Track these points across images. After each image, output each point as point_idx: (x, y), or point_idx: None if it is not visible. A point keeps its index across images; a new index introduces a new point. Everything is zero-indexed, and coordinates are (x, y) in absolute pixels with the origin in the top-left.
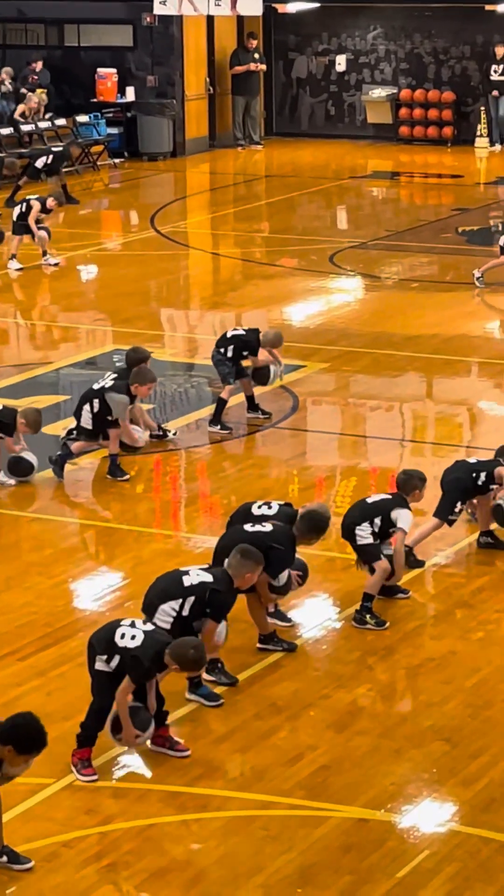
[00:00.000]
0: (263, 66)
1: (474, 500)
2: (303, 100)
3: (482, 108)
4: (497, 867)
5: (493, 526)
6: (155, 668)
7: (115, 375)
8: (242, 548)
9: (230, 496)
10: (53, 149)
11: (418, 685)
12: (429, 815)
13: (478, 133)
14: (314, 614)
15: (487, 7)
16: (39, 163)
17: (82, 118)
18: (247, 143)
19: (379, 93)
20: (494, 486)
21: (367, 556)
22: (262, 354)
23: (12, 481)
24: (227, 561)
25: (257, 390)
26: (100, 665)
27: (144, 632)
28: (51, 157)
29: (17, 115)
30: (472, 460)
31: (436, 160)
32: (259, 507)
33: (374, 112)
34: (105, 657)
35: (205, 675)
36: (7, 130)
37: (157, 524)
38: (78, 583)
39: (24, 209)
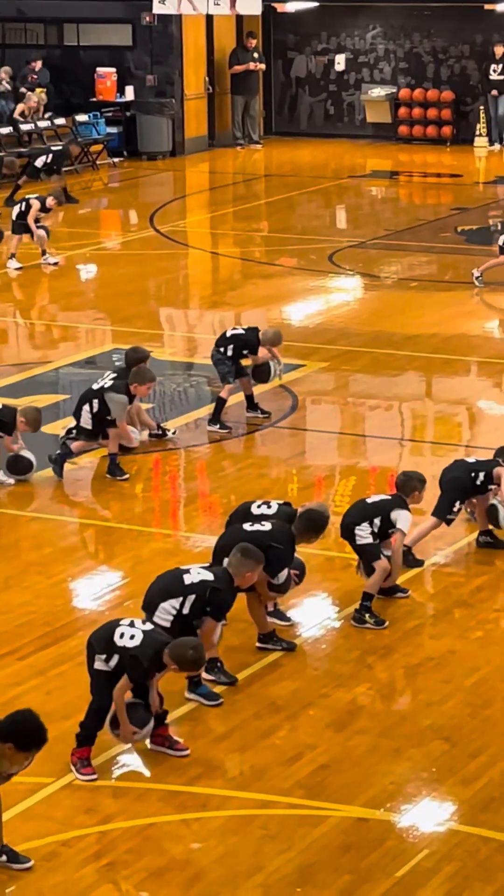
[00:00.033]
0: (262, 66)
1: (473, 500)
2: (302, 99)
3: (481, 107)
4: (496, 866)
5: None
6: (154, 668)
7: (114, 375)
8: (243, 546)
9: (229, 495)
10: (53, 148)
11: (417, 684)
12: (428, 815)
13: (477, 132)
14: (313, 614)
15: (486, 6)
16: (39, 162)
17: (81, 117)
18: (246, 143)
19: (378, 92)
20: (493, 487)
21: (366, 556)
22: (262, 353)
23: (11, 480)
24: (227, 560)
25: (257, 389)
26: (99, 664)
27: (143, 631)
28: (50, 156)
29: (16, 115)
30: (470, 460)
31: (435, 159)
32: (258, 506)
33: (373, 111)
34: (104, 656)
35: (204, 675)
36: (6, 130)
37: (157, 523)
38: (77, 582)
39: (23, 208)
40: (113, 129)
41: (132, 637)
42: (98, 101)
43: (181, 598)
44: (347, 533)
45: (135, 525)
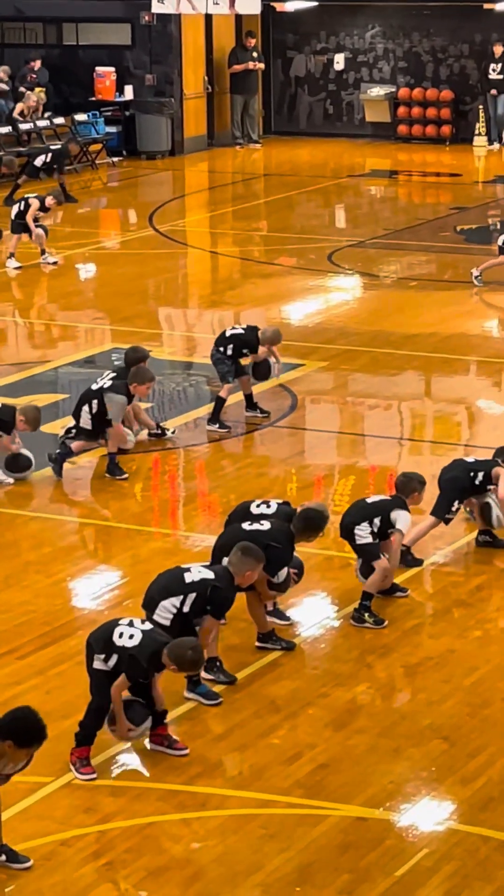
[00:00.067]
0: (262, 65)
1: (472, 499)
2: (301, 98)
3: (480, 106)
4: (495, 865)
5: None
6: (152, 668)
7: (113, 375)
8: (243, 545)
9: (229, 495)
10: (52, 147)
11: (417, 684)
12: (427, 814)
13: (476, 132)
14: (313, 613)
15: (486, 5)
16: (38, 161)
17: (81, 117)
18: (245, 142)
19: (377, 91)
20: (491, 486)
21: (366, 556)
22: (262, 352)
23: (11, 480)
24: (228, 558)
25: (256, 389)
26: (98, 664)
27: (143, 631)
28: (49, 155)
29: (15, 114)
30: (469, 459)
31: (434, 159)
32: (258, 505)
33: (372, 111)
34: (103, 656)
35: (203, 674)
36: (5, 129)
37: (156, 523)
38: (76, 581)
39: (22, 207)
40: (112, 129)
41: (131, 637)
42: (97, 100)
43: (182, 597)
44: (347, 533)
45: (134, 524)
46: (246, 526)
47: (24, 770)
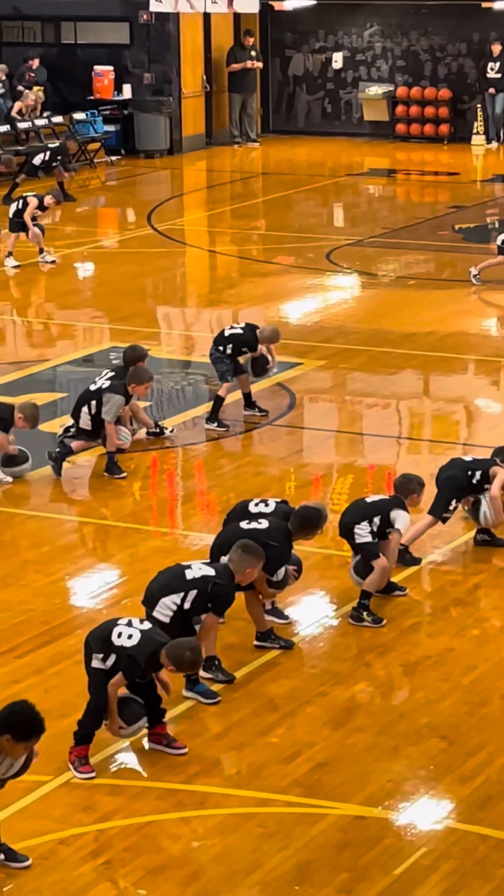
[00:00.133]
0: (260, 64)
1: (470, 498)
2: (299, 97)
3: (479, 105)
4: (494, 864)
5: None
6: (150, 668)
7: (111, 374)
8: (243, 543)
9: (227, 493)
10: (50, 146)
11: (415, 682)
12: (426, 813)
13: (474, 130)
14: (311, 612)
15: (484, 4)
16: (37, 160)
17: (79, 115)
18: (243, 141)
19: (375, 90)
20: (489, 486)
21: (365, 555)
22: (261, 351)
23: (9, 479)
24: (228, 556)
25: (254, 387)
26: (96, 663)
27: (141, 631)
28: (48, 153)
29: (13, 113)
30: (467, 458)
31: (432, 157)
32: (256, 504)
33: (370, 109)
34: (101, 656)
35: (202, 673)
36: (4, 128)
37: (154, 521)
38: (75, 580)
39: (20, 206)
40: (110, 128)
41: (130, 637)
42: (95, 99)
43: (182, 594)
44: (346, 532)
45: (132, 523)
46: (244, 525)
47: (21, 776)
